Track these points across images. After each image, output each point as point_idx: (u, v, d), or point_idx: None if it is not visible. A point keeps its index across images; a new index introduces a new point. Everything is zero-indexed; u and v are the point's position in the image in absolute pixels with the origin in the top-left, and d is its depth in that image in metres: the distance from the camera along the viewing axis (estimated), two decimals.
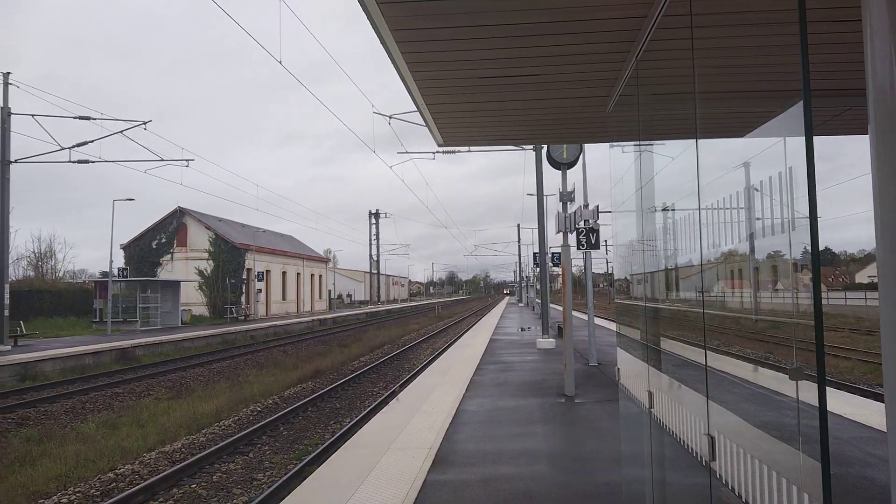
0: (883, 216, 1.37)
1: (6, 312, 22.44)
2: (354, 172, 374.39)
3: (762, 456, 2.72)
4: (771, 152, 2.33)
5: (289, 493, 6.00)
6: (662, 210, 3.69)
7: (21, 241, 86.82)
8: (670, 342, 3.58)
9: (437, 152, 25.60)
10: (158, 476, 8.42)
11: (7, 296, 22.68)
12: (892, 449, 1.29)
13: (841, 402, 8.82)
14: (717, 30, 3.30)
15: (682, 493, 3.47)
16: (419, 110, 5.17)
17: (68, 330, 31.02)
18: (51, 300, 37.38)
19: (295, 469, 8.64)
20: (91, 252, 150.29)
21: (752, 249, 2.80)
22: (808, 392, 1.83)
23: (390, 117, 20.31)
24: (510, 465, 6.46)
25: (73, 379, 17.78)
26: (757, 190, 2.56)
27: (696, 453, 3.21)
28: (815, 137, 1.70)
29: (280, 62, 16.45)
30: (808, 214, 1.72)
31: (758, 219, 2.61)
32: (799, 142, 1.73)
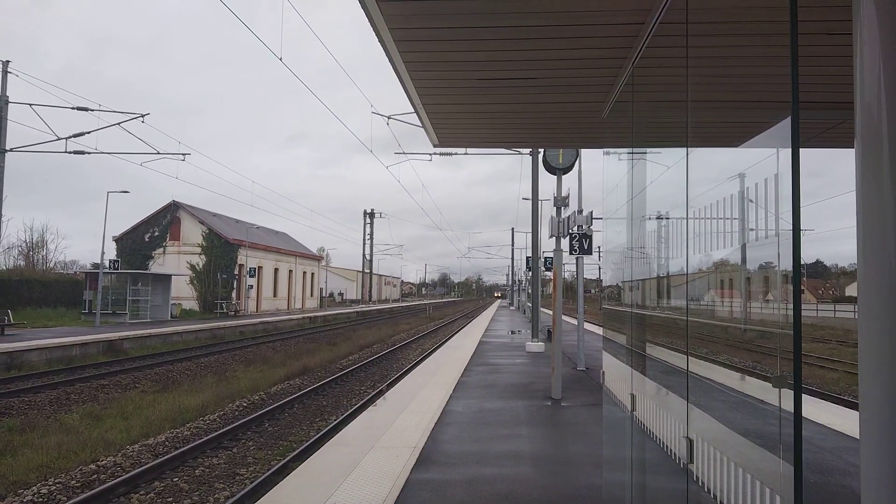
0: (865, 229, 1.38)
1: None
2: (354, 174, 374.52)
3: (742, 461, 2.74)
4: (764, 164, 2.35)
5: (271, 488, 5.98)
6: (653, 219, 3.71)
7: (13, 230, 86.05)
8: (655, 348, 3.60)
9: (434, 154, 25.65)
10: (141, 468, 8.37)
11: None
12: (863, 456, 1.30)
13: (825, 413, 8.88)
14: (712, 38, 3.33)
15: (661, 496, 3.48)
16: (416, 111, 5.17)
17: (57, 320, 30.75)
18: (40, 290, 37.02)
19: (278, 465, 8.61)
20: (84, 244, 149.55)
21: (744, 260, 2.81)
22: (790, 400, 1.84)
23: (388, 118, 20.36)
24: (494, 467, 6.46)
25: (58, 370, 17.63)
26: (751, 201, 2.57)
27: (676, 457, 3.23)
28: (808, 150, 1.72)
29: (280, 59, 16.41)
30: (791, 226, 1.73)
31: (748, 230, 2.63)
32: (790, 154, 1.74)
